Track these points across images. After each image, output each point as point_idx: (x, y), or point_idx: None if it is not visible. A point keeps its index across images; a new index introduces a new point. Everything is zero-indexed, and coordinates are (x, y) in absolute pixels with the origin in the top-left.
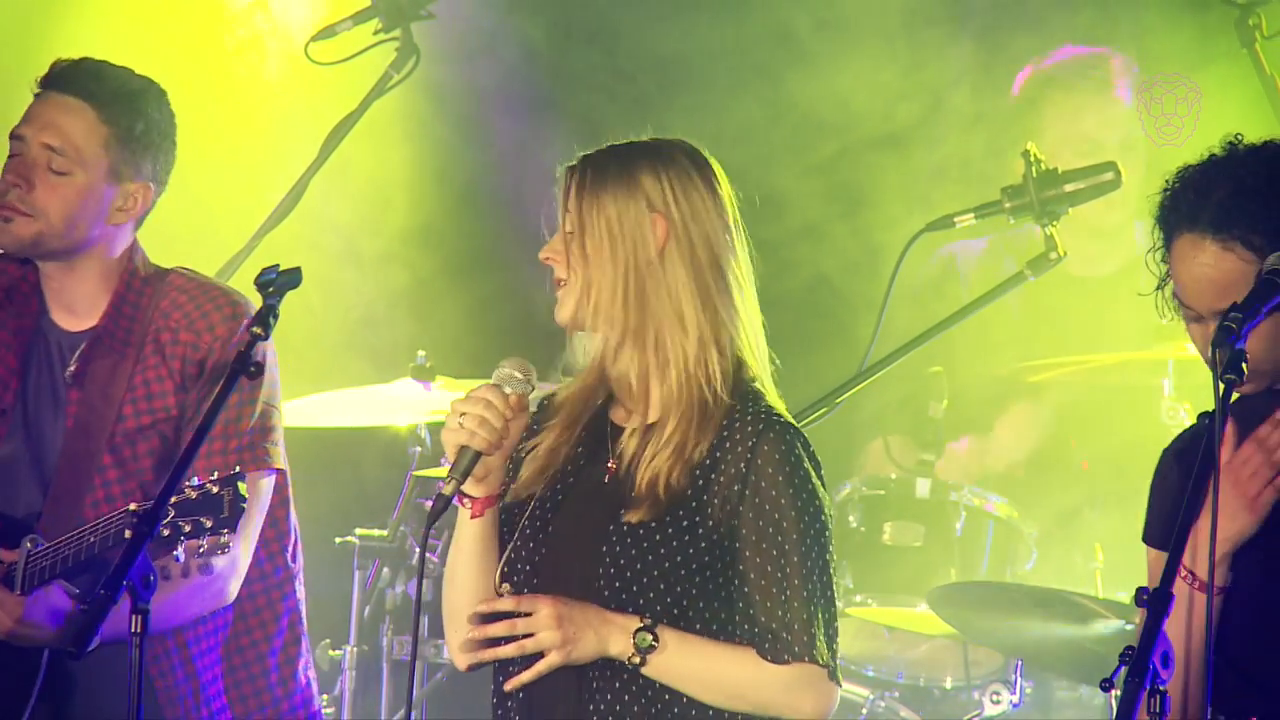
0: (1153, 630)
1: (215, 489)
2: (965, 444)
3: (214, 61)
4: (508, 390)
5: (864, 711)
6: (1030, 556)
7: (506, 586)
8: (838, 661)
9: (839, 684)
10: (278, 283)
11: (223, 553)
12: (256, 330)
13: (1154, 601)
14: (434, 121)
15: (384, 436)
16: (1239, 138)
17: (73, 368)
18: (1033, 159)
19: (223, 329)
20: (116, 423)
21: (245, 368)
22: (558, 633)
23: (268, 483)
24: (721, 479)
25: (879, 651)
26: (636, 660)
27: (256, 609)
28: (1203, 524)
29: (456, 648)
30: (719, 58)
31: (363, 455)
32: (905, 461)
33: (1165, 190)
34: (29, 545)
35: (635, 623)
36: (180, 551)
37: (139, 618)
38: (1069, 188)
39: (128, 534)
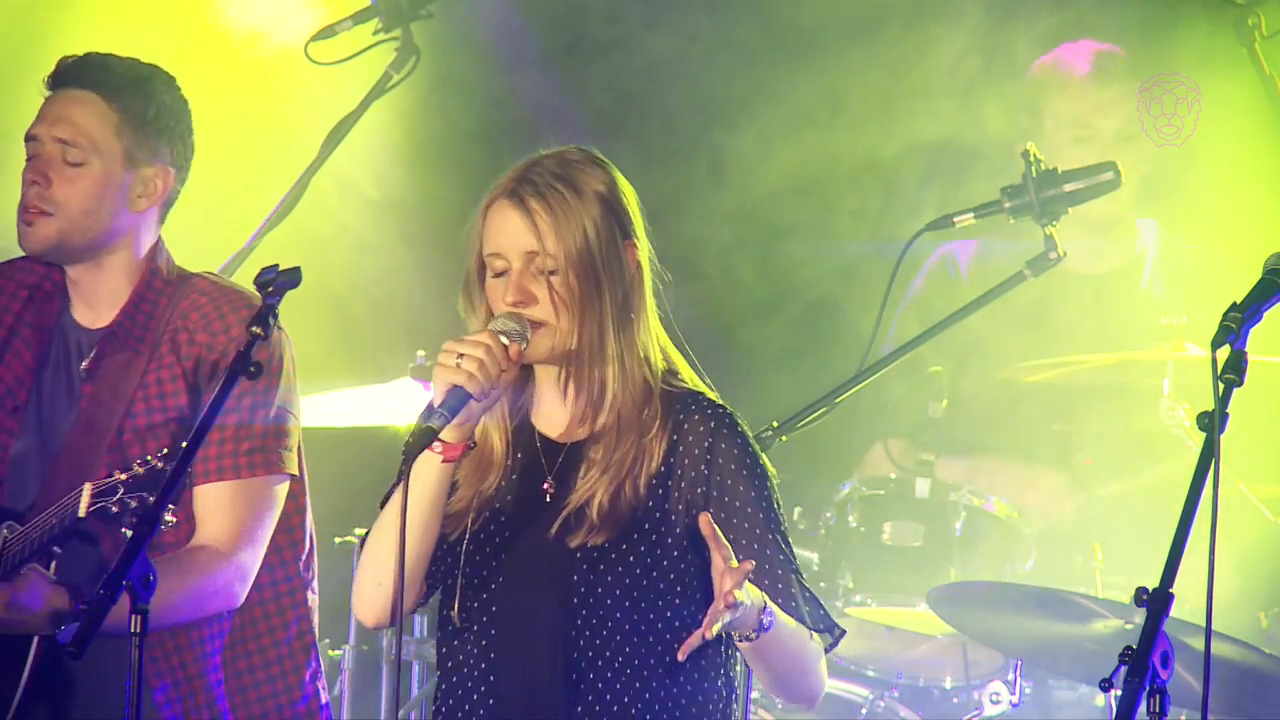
0: (1153, 630)
1: (160, 464)
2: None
3: (214, 61)
4: (505, 340)
5: (864, 711)
6: (1030, 556)
7: (456, 615)
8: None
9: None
10: (278, 283)
11: (165, 528)
12: (256, 330)
13: (1154, 601)
14: (434, 122)
15: (384, 436)
16: None
17: (86, 363)
18: (1032, 159)
19: (238, 331)
20: (126, 419)
21: (245, 368)
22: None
23: (281, 488)
24: (682, 484)
25: (879, 651)
26: (755, 636)
27: (266, 614)
28: None
29: (376, 601)
30: (719, 56)
31: (363, 455)
32: (905, 463)
33: None
34: (4, 533)
35: (761, 600)
36: (127, 528)
37: (139, 618)
38: (1069, 187)
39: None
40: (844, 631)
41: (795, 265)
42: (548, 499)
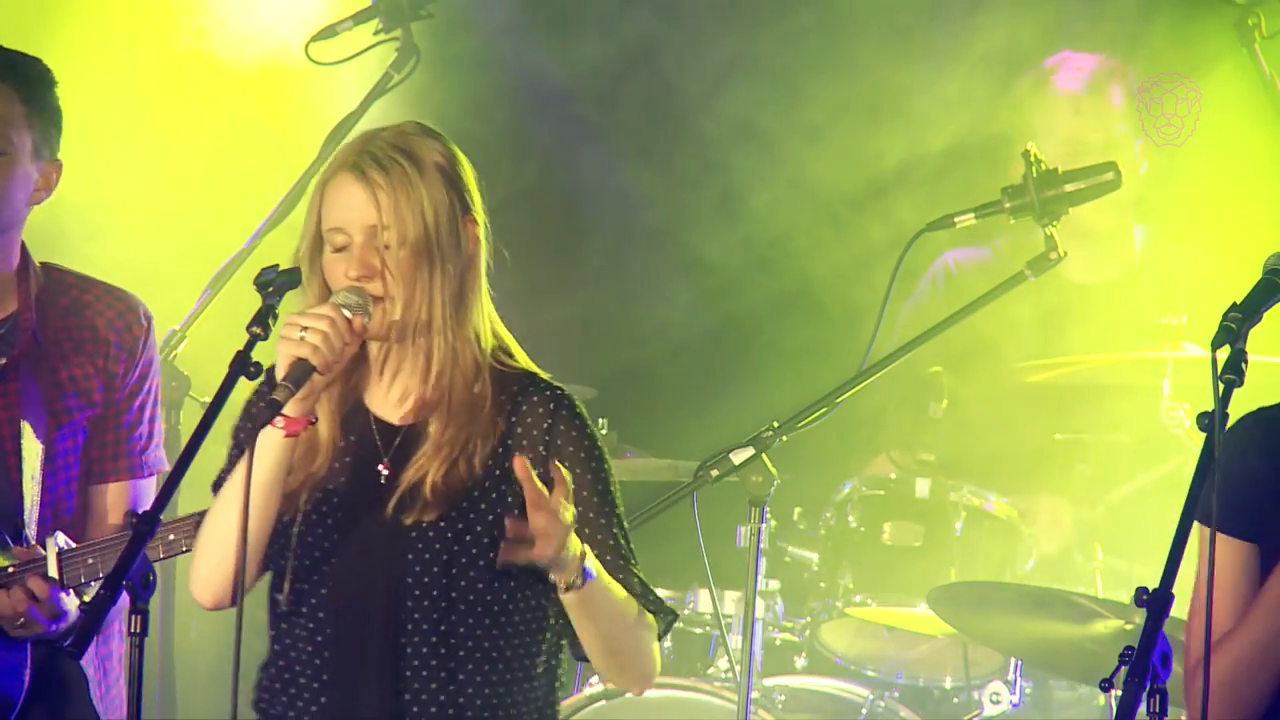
0: (1153, 630)
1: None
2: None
3: (214, 61)
4: (347, 314)
5: (864, 711)
6: (1030, 556)
7: (285, 597)
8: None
9: (659, 648)
10: (278, 283)
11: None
12: (256, 330)
13: (1154, 601)
14: (433, 121)
15: None
16: None
17: (2, 360)
18: (1032, 159)
19: (138, 329)
20: (52, 417)
21: (245, 368)
22: (567, 546)
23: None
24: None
25: (879, 651)
26: (578, 584)
27: None
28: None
29: (214, 580)
30: (720, 52)
31: None
32: (906, 466)
33: None
34: (59, 544)
35: (583, 548)
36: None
37: (139, 618)
38: (1069, 188)
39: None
40: (676, 616)
41: (796, 265)
42: (383, 480)
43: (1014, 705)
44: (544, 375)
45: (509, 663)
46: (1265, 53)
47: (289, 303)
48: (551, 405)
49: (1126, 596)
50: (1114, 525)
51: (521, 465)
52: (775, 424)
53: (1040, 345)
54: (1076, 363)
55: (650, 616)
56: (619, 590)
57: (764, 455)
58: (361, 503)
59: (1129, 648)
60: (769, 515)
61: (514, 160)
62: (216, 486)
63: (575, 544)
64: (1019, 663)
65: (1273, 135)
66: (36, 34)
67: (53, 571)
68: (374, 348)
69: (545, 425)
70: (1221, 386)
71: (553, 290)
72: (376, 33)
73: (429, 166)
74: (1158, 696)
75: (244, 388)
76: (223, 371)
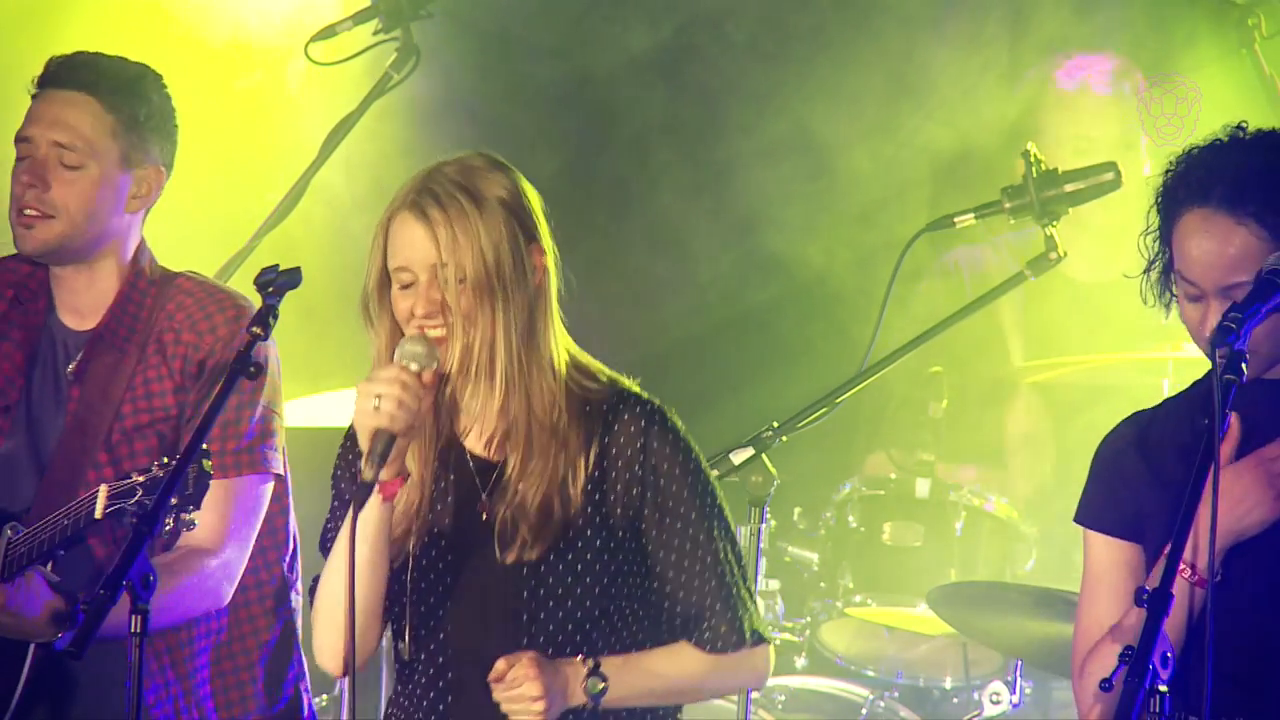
0: (1153, 630)
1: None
2: (974, 473)
3: (214, 61)
4: (415, 367)
5: (864, 711)
6: (1030, 556)
7: (407, 647)
8: (763, 621)
9: (770, 640)
10: (278, 283)
11: (188, 530)
12: (256, 330)
13: (1154, 601)
14: (434, 121)
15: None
16: (1244, 124)
17: (74, 365)
18: (1033, 159)
19: (224, 330)
20: (115, 420)
21: (245, 368)
22: (543, 701)
23: (266, 488)
24: (617, 486)
25: (879, 651)
26: (591, 706)
27: (251, 615)
28: (1204, 519)
29: (335, 649)
30: (719, 51)
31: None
32: (906, 465)
33: (1168, 170)
34: (9, 533)
35: (581, 669)
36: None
37: (139, 618)
38: (1069, 188)
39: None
40: (763, 640)
41: (797, 265)
42: (483, 517)
43: (1014, 705)
44: (632, 387)
45: None
46: (1265, 53)
47: (289, 302)
48: (643, 422)
49: None
50: None
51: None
52: (775, 424)
53: (1040, 345)
54: (1076, 363)
55: (743, 655)
56: (653, 665)
57: (764, 455)
58: (467, 543)
59: (1129, 647)
60: (769, 515)
61: (514, 160)
62: (324, 544)
63: (561, 681)
64: (1019, 663)
65: None
66: (35, 36)
67: None
68: (455, 383)
69: (638, 444)
70: (1221, 386)
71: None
72: (376, 33)
73: (490, 200)
74: (1157, 696)
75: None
76: None
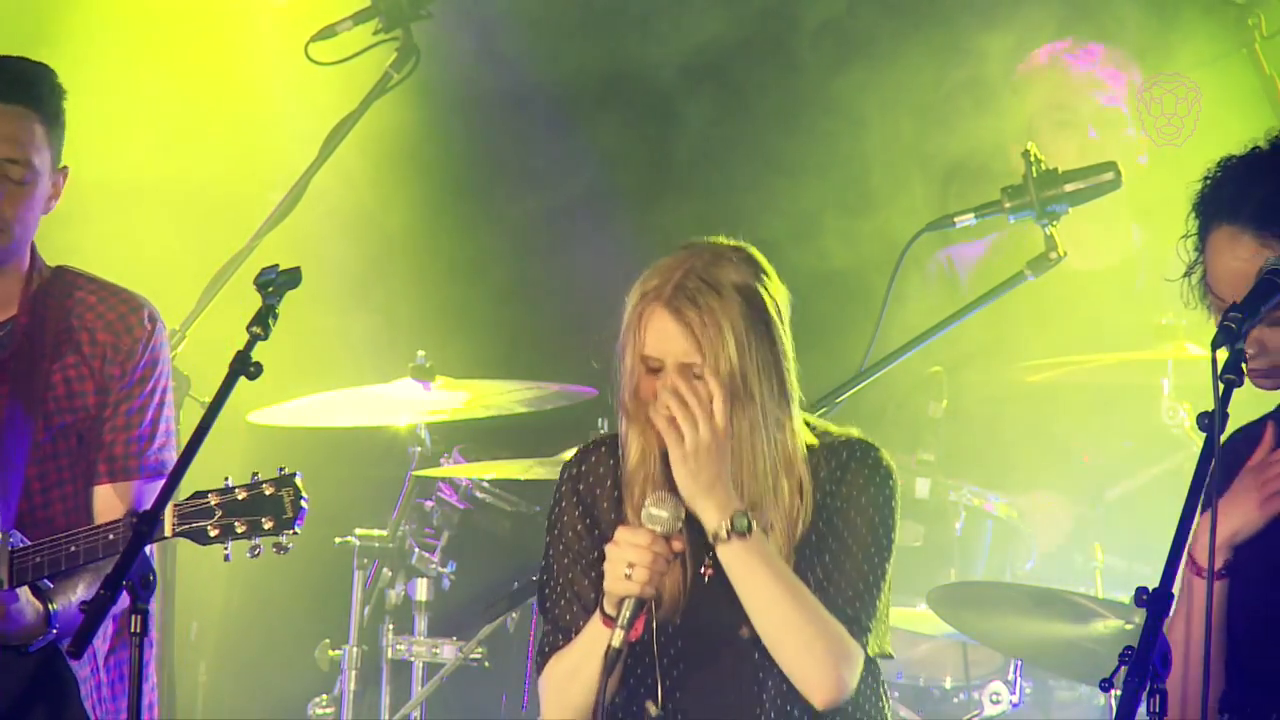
0: (1153, 630)
1: (270, 490)
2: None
3: (214, 61)
4: (661, 531)
5: None
6: (1030, 556)
7: (655, 707)
8: (880, 645)
9: (871, 659)
10: (277, 283)
11: (280, 553)
12: (256, 330)
13: (1154, 601)
14: (434, 120)
15: (384, 436)
16: None
17: None
18: (1033, 159)
19: (139, 331)
20: (41, 419)
21: (245, 368)
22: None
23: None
24: (820, 525)
25: None
26: (724, 536)
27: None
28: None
29: None
30: (721, 50)
31: (363, 455)
32: (906, 465)
33: (1206, 179)
34: (12, 543)
35: (735, 503)
36: (229, 550)
37: (139, 618)
38: (1069, 187)
39: (112, 537)
40: (881, 656)
41: (796, 265)
42: (706, 580)
43: (1014, 705)
44: (852, 433)
45: None
46: (1265, 52)
47: (290, 302)
48: (866, 471)
49: (1126, 596)
50: (1114, 524)
51: None
52: None
53: (1040, 345)
54: (1076, 363)
55: (851, 642)
56: (793, 581)
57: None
58: (696, 606)
59: (1129, 648)
60: None
61: (514, 160)
62: (543, 605)
63: (727, 496)
64: (1019, 663)
65: (1272, 135)
66: (37, 35)
67: (1, 574)
68: None
69: (838, 475)
70: (1221, 386)
71: (553, 289)
72: (376, 32)
73: (734, 295)
74: (1158, 696)
75: (244, 387)
76: (223, 371)
